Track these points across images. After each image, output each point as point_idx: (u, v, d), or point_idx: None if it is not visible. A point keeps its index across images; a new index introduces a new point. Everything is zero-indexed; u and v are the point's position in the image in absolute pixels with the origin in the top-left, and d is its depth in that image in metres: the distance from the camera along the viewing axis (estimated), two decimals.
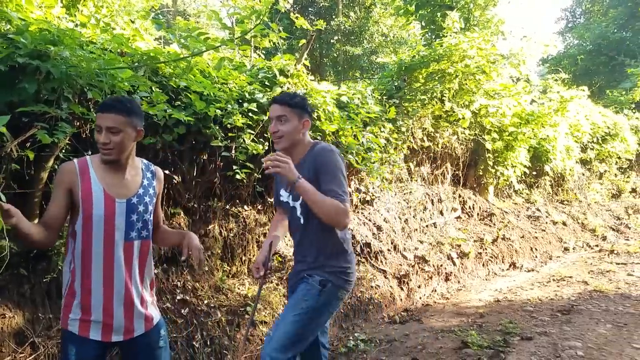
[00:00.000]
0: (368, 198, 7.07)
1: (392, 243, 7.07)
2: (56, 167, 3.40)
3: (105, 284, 2.18)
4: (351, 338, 5.10)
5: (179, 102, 4.07)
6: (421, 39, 11.40)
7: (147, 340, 2.31)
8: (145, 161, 2.41)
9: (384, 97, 7.11)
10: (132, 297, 2.24)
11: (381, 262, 6.65)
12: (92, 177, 2.18)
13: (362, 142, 5.67)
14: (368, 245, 6.57)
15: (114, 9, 4.94)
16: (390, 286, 6.50)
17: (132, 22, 4.64)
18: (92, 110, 3.36)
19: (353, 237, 6.44)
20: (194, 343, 3.95)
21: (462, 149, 9.17)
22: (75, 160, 2.24)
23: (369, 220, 6.96)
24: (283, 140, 2.60)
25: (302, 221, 2.66)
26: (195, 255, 2.29)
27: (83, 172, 2.19)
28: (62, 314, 2.22)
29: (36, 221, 3.40)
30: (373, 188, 7.15)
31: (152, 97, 3.60)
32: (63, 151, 3.37)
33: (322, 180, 2.49)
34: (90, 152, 3.50)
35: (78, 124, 3.44)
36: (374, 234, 6.83)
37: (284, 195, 2.78)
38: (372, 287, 6.16)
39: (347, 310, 5.64)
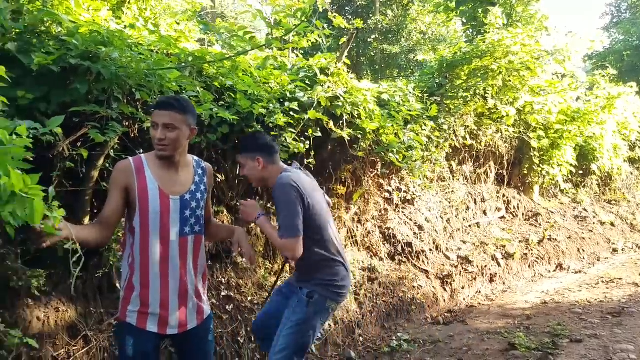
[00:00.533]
0: (409, 197, 6.99)
1: (434, 243, 6.97)
2: (107, 165, 3.50)
3: (161, 278, 2.24)
4: (394, 338, 5.06)
5: (223, 102, 4.13)
6: (462, 35, 11.21)
7: (198, 333, 2.37)
8: (196, 158, 2.47)
9: (425, 95, 7.02)
10: (187, 291, 2.30)
11: (423, 262, 6.56)
12: (148, 175, 2.25)
13: (404, 140, 5.62)
14: (409, 244, 6.50)
15: (157, 11, 5.06)
16: (433, 287, 6.41)
17: (177, 23, 4.73)
18: (140, 110, 3.44)
19: (394, 236, 6.39)
20: (239, 339, 4.00)
21: (506, 147, 8.95)
22: (130, 158, 2.30)
23: (410, 219, 6.88)
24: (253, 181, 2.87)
25: None
26: (247, 252, 2.35)
27: (139, 170, 2.25)
28: (121, 306, 2.29)
29: (87, 218, 3.53)
30: (414, 187, 7.07)
31: (200, 96, 3.65)
32: (113, 150, 3.47)
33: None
34: (141, 151, 3.60)
35: (127, 123, 3.53)
36: (415, 233, 6.75)
37: None
38: (414, 287, 6.09)
39: (389, 310, 5.59)
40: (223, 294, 4.18)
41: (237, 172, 4.63)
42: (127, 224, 2.30)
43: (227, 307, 4.12)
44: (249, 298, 4.34)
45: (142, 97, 3.35)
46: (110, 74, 3.05)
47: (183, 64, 3.72)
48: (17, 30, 3.01)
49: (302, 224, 2.62)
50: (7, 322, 2.75)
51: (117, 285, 3.42)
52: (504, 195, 9.04)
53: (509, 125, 8.44)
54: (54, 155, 3.06)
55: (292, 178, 2.67)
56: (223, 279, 4.32)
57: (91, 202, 3.56)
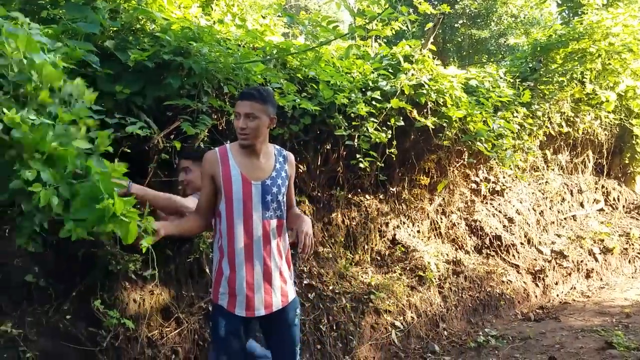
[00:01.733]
0: (498, 188, 6.70)
1: (525, 236, 6.66)
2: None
3: (246, 261, 2.35)
4: (481, 333, 4.91)
5: (305, 93, 4.16)
6: (557, 17, 10.51)
7: (284, 316, 2.45)
8: (277, 147, 2.55)
9: (517, 80, 6.67)
10: (270, 273, 2.39)
11: (513, 256, 6.29)
12: (231, 162, 2.38)
13: (493, 128, 5.37)
14: (498, 238, 6.25)
15: (244, 6, 5.19)
16: (524, 282, 6.13)
17: (263, 17, 4.83)
18: (227, 103, 3.56)
19: (481, 228, 6.19)
20: (321, 327, 4.05)
21: (605, 134, 8.32)
22: (216, 148, 2.45)
23: (499, 211, 6.61)
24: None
25: None
26: (301, 239, 2.33)
27: (223, 159, 2.39)
28: (213, 288, 2.43)
29: None
30: (504, 177, 6.77)
31: (283, 88, 3.71)
32: (202, 142, 3.62)
33: None
34: (229, 142, 3.73)
35: (215, 116, 3.67)
36: (504, 226, 6.48)
37: None
38: (503, 282, 5.86)
39: (475, 304, 5.43)
40: (305, 282, 4.25)
41: (318, 163, 4.68)
42: (215, 209, 2.43)
43: (309, 295, 4.18)
44: (330, 287, 4.38)
45: (230, 90, 3.45)
46: (201, 68, 3.18)
47: (268, 57, 3.78)
48: (115, 28, 3.21)
49: None
50: (106, 303, 2.97)
51: (207, 270, 3.58)
52: (603, 186, 8.42)
53: (608, 112, 7.83)
54: (150, 147, 3.24)
55: None
56: (305, 267, 4.39)
57: (184, 191, 3.74)
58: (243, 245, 2.34)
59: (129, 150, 2.90)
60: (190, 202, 2.58)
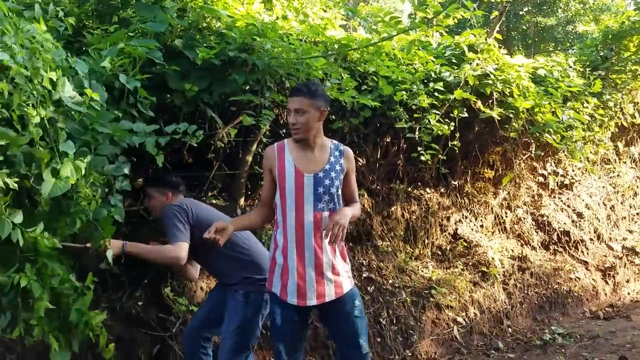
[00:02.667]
0: (567, 182, 6.43)
1: (595, 232, 6.37)
2: (259, 150, 3.74)
3: (297, 250, 2.40)
4: (547, 331, 4.77)
5: (365, 86, 4.14)
6: (630, 2, 9.88)
7: (341, 307, 2.46)
8: (335, 142, 2.58)
9: (587, 69, 6.34)
10: (321, 263, 2.41)
11: (582, 252, 6.04)
12: (287, 156, 2.46)
13: (562, 119, 5.14)
14: (566, 233, 6.02)
15: (305, 0, 5.21)
16: (593, 279, 5.88)
17: (324, 11, 4.84)
18: (288, 98, 3.60)
19: (549, 223, 5.99)
20: (381, 320, 4.05)
21: None
22: (275, 143, 2.55)
23: (568, 206, 6.35)
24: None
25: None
26: (329, 227, 2.31)
27: (280, 153, 2.49)
28: (269, 277, 2.50)
29: (242, 199, 3.82)
30: (573, 170, 6.48)
31: (342, 83, 3.71)
32: (264, 136, 3.69)
33: None
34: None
35: (277, 111, 3.73)
36: (573, 221, 6.22)
37: None
38: (570, 279, 5.64)
39: (541, 301, 5.26)
40: (364, 275, 4.26)
41: (378, 156, 4.66)
42: (273, 202, 2.52)
43: (368, 288, 4.19)
44: (390, 281, 4.36)
45: (291, 85, 3.49)
46: (264, 64, 3.23)
47: (329, 52, 3.80)
48: (182, 27, 3.32)
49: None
50: (175, 290, 3.10)
51: None
52: None
53: None
54: (214, 142, 3.35)
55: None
56: (364, 261, 4.39)
57: (246, 184, 3.84)
58: (295, 235, 2.40)
59: (195, 145, 3.00)
60: (178, 250, 2.63)
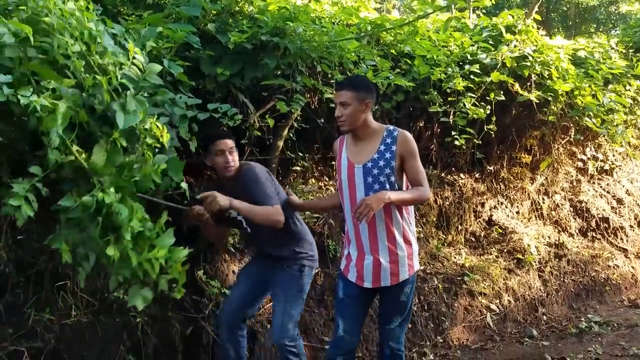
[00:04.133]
0: (607, 167, 6.22)
1: (635, 219, 6.18)
2: (291, 135, 3.73)
3: (355, 238, 2.57)
4: (583, 319, 4.67)
5: (399, 69, 4.07)
6: None
7: (393, 292, 2.58)
8: (390, 128, 2.58)
9: (630, 51, 6.08)
10: (377, 251, 2.51)
11: (621, 239, 5.87)
12: (344, 149, 2.62)
13: (603, 102, 4.96)
14: (605, 220, 5.85)
15: None
16: (632, 267, 5.72)
17: None
18: (320, 82, 3.57)
19: (587, 210, 5.83)
20: (413, 306, 4.02)
21: None
22: (339, 137, 2.72)
23: (607, 192, 6.15)
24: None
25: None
26: (356, 205, 2.39)
27: (340, 146, 2.66)
28: (340, 254, 2.71)
29: None
30: (614, 155, 6.26)
31: (377, 64, 3.65)
32: (296, 121, 3.67)
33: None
34: (322, 121, 3.80)
35: (308, 95, 3.70)
36: (612, 207, 6.03)
37: None
38: (609, 266, 5.49)
39: (578, 289, 5.15)
40: None
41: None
42: None
43: None
44: (422, 267, 4.32)
45: (323, 69, 3.46)
46: (296, 48, 3.21)
47: (362, 34, 3.74)
48: (215, 12, 3.32)
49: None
50: (208, 274, 3.15)
51: None
52: None
53: None
54: (246, 127, 3.35)
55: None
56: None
57: (277, 170, 3.84)
58: (352, 223, 2.55)
59: (225, 129, 3.01)
60: (280, 213, 2.66)
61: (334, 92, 2.58)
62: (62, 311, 2.64)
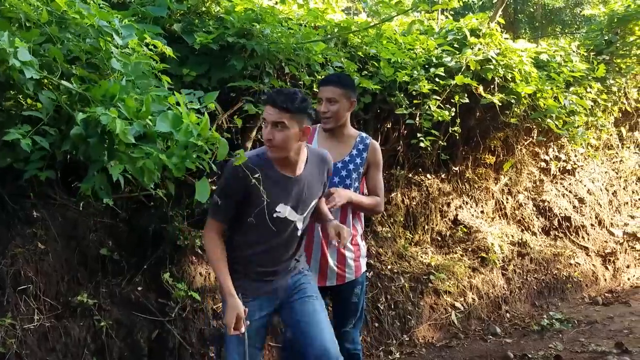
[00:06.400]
0: (569, 167, 6.42)
1: (596, 218, 6.38)
2: (259, 137, 3.73)
3: (308, 237, 2.49)
4: (545, 316, 4.81)
5: (366, 72, 4.11)
6: None
7: (343, 294, 2.60)
8: (363, 135, 2.62)
9: (591, 54, 6.28)
10: (325, 250, 2.52)
11: (582, 238, 6.06)
12: (314, 143, 2.56)
13: (564, 104, 5.12)
14: (567, 219, 6.03)
15: None
16: (593, 265, 5.91)
17: None
18: (288, 83, 3.59)
19: (550, 209, 6.01)
20: (379, 305, 4.09)
21: None
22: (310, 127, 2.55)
23: (569, 191, 6.34)
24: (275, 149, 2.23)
25: (298, 233, 2.33)
26: (328, 192, 2.40)
27: (309, 137, 2.51)
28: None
29: None
30: (575, 156, 6.46)
31: (344, 67, 3.69)
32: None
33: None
34: None
35: None
36: (574, 207, 6.22)
37: (283, 212, 2.25)
38: (570, 264, 5.67)
39: (540, 287, 5.30)
40: None
41: (378, 142, 4.62)
42: None
43: (367, 274, 4.20)
44: (389, 266, 4.39)
45: (291, 70, 3.47)
46: (263, 49, 3.21)
47: (329, 36, 3.76)
48: (182, 11, 3.30)
49: None
50: (175, 276, 3.13)
51: None
52: None
53: None
54: (214, 127, 3.33)
55: None
56: None
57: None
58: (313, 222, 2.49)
59: None
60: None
61: (320, 87, 2.55)
62: (24, 315, 2.58)
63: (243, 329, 2.10)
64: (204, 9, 3.44)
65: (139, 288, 3.02)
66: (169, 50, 2.60)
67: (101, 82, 2.09)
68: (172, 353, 2.99)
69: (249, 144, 3.70)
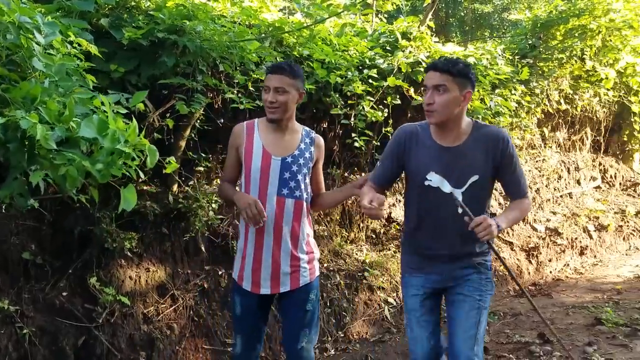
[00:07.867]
0: None
1: None
2: (192, 135, 3.67)
3: (257, 235, 2.37)
4: None
5: None
6: None
7: (294, 298, 2.43)
8: (307, 129, 2.55)
9: (516, 57, 6.62)
10: (279, 254, 2.38)
11: (507, 233, 6.35)
12: (255, 136, 2.41)
13: (490, 105, 5.36)
14: (493, 215, 6.27)
15: None
16: (517, 259, 6.21)
17: None
18: (223, 82, 3.54)
19: None
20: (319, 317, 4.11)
21: (604, 112, 8.27)
22: (245, 122, 2.49)
23: (495, 189, 6.62)
24: (435, 114, 2.19)
25: (459, 210, 2.28)
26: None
27: (249, 132, 2.43)
28: (234, 264, 2.50)
29: (175, 186, 3.74)
30: None
31: None
32: (198, 121, 3.61)
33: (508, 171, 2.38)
34: (222, 121, 3.73)
35: (211, 95, 3.65)
36: (500, 204, 6.51)
37: (434, 180, 2.29)
38: (495, 259, 5.91)
39: None
40: None
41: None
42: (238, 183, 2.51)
43: None
44: (325, 265, 4.44)
45: (225, 69, 3.43)
46: (195, 47, 3.15)
47: (263, 35, 3.75)
48: (110, 6, 3.18)
49: None
50: (102, 280, 3.02)
51: (202, 248, 3.63)
52: (600, 164, 8.44)
53: (608, 89, 7.78)
54: (145, 126, 3.25)
55: None
56: None
57: (179, 171, 3.75)
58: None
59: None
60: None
61: (267, 74, 2.38)
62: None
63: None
64: (133, 3, 3.33)
65: (64, 293, 2.90)
66: (94, 49, 2.49)
67: (22, 83, 1.97)
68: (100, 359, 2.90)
69: (183, 143, 3.63)
